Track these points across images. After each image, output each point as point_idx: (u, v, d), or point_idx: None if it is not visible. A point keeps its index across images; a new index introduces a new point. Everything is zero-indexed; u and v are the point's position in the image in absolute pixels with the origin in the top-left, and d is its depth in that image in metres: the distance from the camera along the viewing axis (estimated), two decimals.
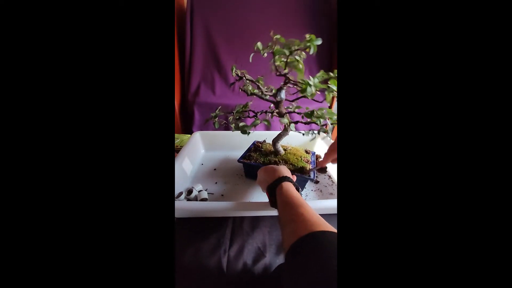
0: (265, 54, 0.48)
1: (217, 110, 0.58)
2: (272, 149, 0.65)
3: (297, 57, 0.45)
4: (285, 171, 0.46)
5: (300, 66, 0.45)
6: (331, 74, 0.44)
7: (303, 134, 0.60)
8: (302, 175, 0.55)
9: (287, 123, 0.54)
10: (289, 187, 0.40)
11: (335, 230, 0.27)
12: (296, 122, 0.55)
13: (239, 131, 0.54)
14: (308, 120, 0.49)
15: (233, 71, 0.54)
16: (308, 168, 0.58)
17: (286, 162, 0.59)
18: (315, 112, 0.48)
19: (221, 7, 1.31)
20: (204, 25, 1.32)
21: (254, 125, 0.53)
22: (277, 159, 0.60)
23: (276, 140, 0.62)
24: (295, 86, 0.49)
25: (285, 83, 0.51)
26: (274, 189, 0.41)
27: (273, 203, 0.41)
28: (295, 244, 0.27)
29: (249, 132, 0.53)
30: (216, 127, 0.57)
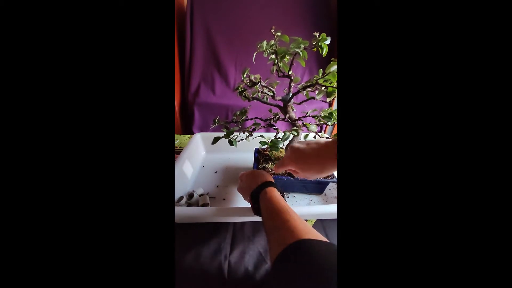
0: (266, 54, 0.47)
1: (216, 121, 0.54)
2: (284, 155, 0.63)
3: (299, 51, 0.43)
4: (267, 175, 0.44)
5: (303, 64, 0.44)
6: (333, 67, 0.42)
7: (314, 136, 0.58)
8: (325, 178, 0.53)
9: (315, 131, 0.51)
10: (273, 192, 0.38)
11: (323, 238, 0.27)
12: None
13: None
14: (318, 122, 0.48)
15: (244, 76, 0.50)
16: None
17: None
18: (334, 113, 0.46)
19: (221, 7, 1.30)
20: (204, 25, 1.31)
21: (286, 138, 0.50)
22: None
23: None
24: (307, 89, 0.47)
25: (304, 87, 0.48)
26: (257, 195, 0.39)
27: (256, 210, 0.40)
28: (283, 253, 0.26)
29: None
30: (235, 146, 0.52)
